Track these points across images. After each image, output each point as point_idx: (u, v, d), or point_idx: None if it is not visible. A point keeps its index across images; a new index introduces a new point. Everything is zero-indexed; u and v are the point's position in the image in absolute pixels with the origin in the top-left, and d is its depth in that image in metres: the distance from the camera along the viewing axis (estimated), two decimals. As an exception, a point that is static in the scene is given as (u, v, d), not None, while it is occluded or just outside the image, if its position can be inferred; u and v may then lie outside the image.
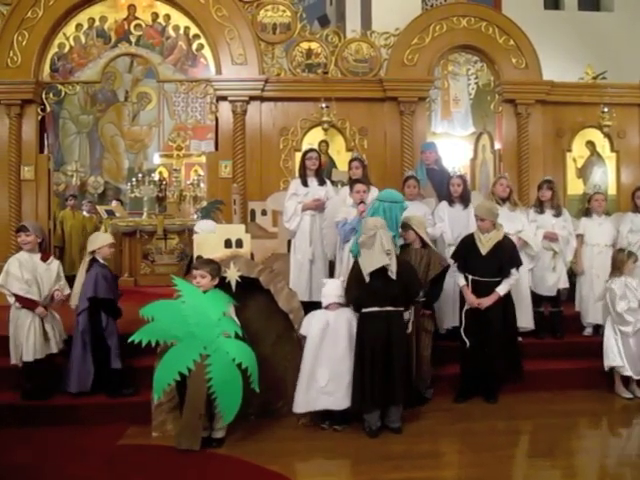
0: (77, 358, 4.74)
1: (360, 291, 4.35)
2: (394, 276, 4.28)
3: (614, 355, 5.07)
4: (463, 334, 4.88)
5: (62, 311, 5.03)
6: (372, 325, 4.33)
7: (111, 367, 4.75)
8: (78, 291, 4.83)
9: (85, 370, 4.73)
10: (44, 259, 4.88)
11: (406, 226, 4.90)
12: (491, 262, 4.89)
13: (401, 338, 4.36)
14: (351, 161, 5.91)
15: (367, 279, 4.28)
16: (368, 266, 4.27)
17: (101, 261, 4.87)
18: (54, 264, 4.95)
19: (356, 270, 4.39)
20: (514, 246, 5.10)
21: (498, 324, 4.89)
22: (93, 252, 4.87)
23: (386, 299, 4.31)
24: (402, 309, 4.41)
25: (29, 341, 4.66)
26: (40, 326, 4.72)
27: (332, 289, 4.49)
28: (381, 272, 4.28)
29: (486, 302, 4.85)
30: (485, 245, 4.92)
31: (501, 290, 4.88)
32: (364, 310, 4.37)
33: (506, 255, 4.93)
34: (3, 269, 4.74)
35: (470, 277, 4.92)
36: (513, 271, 4.94)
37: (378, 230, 4.31)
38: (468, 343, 4.84)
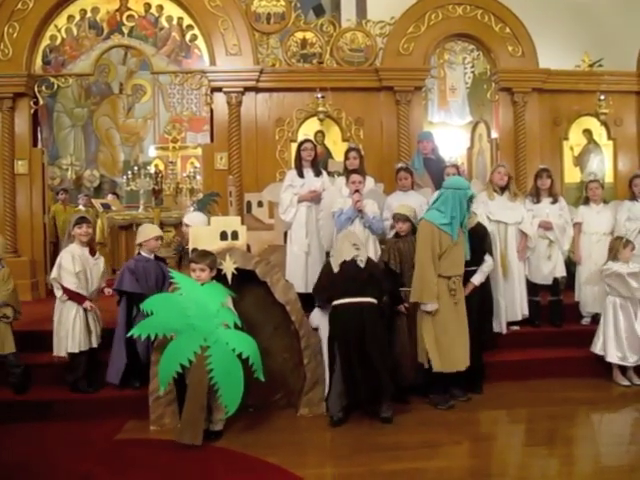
0: (114, 348, 4.78)
1: (330, 282, 4.47)
2: (363, 265, 4.43)
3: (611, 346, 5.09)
4: None
5: (100, 305, 5.02)
6: (343, 318, 4.35)
7: (140, 359, 4.73)
8: None
9: (119, 361, 4.75)
10: (92, 254, 4.92)
11: (398, 217, 4.90)
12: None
13: (375, 332, 4.32)
14: (349, 151, 5.88)
15: (336, 269, 4.43)
16: (339, 258, 4.47)
17: (144, 254, 4.86)
18: (100, 260, 5.00)
19: (327, 266, 4.56)
20: (486, 232, 5.08)
21: (474, 315, 4.81)
22: (140, 245, 4.89)
23: (355, 286, 4.36)
24: (374, 301, 4.39)
25: (75, 332, 4.68)
26: (84, 319, 4.74)
27: None
28: (351, 263, 4.43)
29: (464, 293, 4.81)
30: None
31: (476, 280, 4.86)
32: (335, 303, 4.40)
33: (478, 241, 4.88)
34: (56, 262, 4.78)
35: None
36: (486, 257, 4.92)
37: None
38: None
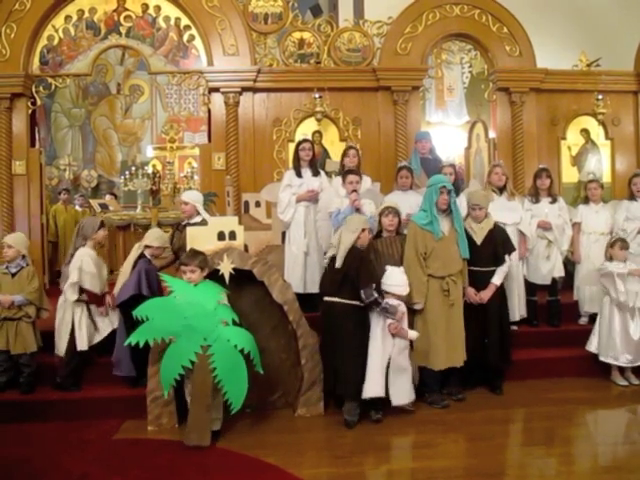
0: (121, 347, 4.72)
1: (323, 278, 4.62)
2: (339, 265, 4.38)
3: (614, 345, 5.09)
4: None
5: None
6: (326, 315, 4.46)
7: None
8: (123, 280, 4.84)
9: (127, 359, 4.75)
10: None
11: (389, 210, 4.80)
12: (486, 251, 4.87)
13: (346, 333, 4.33)
14: (348, 149, 5.86)
15: (325, 264, 4.56)
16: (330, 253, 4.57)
17: (148, 257, 4.91)
18: (103, 262, 5.08)
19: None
20: (505, 232, 5.10)
21: (496, 314, 4.89)
22: (146, 247, 4.91)
23: (332, 287, 4.41)
24: (355, 302, 4.35)
25: (82, 332, 4.74)
26: (89, 317, 4.82)
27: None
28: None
29: (486, 296, 4.84)
30: (479, 234, 4.91)
31: (497, 280, 4.88)
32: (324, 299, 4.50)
33: (500, 242, 4.92)
34: (74, 266, 4.74)
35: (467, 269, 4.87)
36: (506, 257, 4.95)
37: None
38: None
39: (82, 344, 4.74)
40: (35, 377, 4.81)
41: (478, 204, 4.93)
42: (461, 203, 5.27)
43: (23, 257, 4.90)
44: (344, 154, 5.88)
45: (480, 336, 4.84)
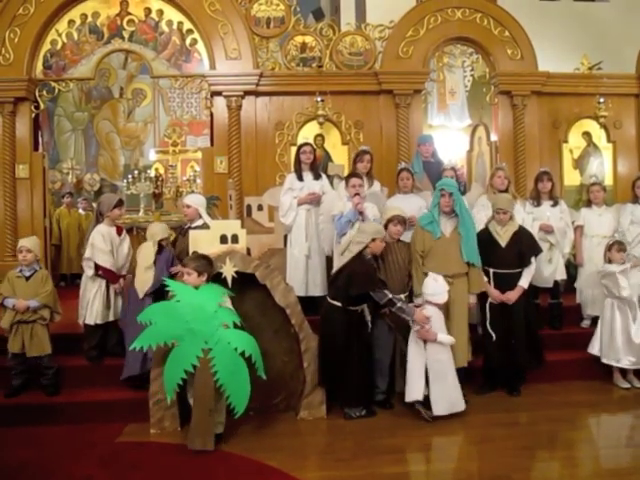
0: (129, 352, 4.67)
1: None
2: (334, 269, 4.81)
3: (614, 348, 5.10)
4: (489, 328, 4.89)
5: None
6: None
7: None
8: (146, 278, 4.80)
9: (137, 356, 4.67)
10: (118, 233, 5.17)
11: (398, 218, 4.81)
12: (511, 253, 4.92)
13: (324, 328, 4.59)
14: (364, 154, 5.76)
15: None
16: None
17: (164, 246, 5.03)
18: (126, 238, 5.26)
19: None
20: (531, 234, 5.14)
21: (522, 316, 4.94)
22: (160, 240, 4.99)
23: (328, 286, 4.84)
24: (337, 303, 4.49)
25: (93, 307, 5.00)
26: (105, 294, 5.04)
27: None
28: None
29: (513, 297, 4.88)
30: (504, 237, 4.96)
31: (524, 283, 4.94)
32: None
33: (525, 244, 4.97)
34: (88, 242, 5.04)
35: (492, 271, 4.92)
36: (532, 259, 4.99)
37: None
38: (494, 336, 4.85)
39: (90, 318, 4.97)
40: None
41: (502, 208, 4.96)
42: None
43: (37, 261, 4.96)
44: (358, 158, 5.77)
45: (505, 337, 4.89)
